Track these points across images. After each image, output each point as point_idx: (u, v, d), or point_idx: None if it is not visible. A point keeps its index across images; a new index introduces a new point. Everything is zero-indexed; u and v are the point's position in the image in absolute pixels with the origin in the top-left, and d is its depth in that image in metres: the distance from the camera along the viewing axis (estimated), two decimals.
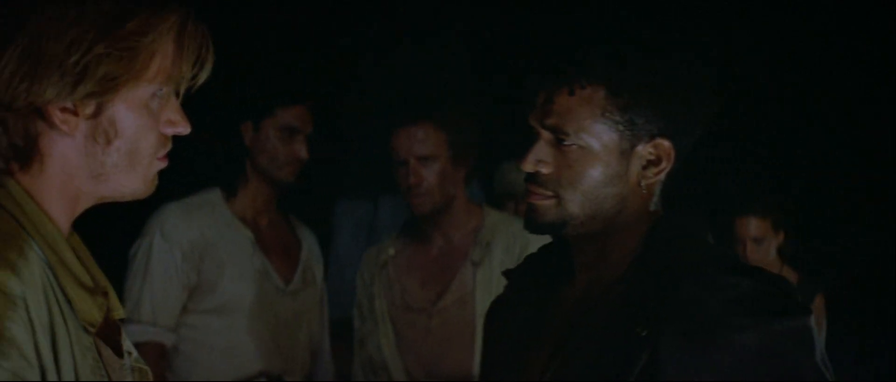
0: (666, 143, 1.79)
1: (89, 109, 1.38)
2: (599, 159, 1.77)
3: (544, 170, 1.79)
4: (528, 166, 1.80)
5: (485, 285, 3.05)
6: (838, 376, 1.76)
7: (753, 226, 4.29)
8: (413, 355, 3.15)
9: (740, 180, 4.94)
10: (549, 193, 1.79)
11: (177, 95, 1.46)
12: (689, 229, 1.83)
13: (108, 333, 1.49)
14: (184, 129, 1.47)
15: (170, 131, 1.46)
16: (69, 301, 1.40)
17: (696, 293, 1.69)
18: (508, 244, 3.09)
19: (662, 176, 1.81)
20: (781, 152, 5.21)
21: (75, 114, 1.38)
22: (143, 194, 1.47)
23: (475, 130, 3.18)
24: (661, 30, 1.88)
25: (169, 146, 1.47)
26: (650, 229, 1.81)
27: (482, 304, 2.95)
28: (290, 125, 3.18)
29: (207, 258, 3.14)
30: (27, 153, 1.39)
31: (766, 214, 4.29)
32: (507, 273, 2.01)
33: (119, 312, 1.53)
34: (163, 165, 1.48)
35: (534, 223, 1.81)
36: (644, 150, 1.79)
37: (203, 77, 1.47)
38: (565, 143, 1.77)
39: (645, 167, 1.80)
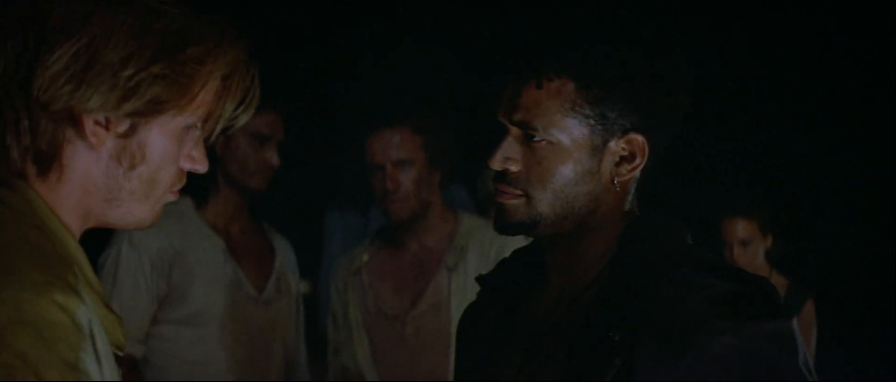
0: (639, 138, 1.71)
1: (123, 127, 1.31)
2: (570, 155, 1.69)
3: (513, 168, 1.71)
4: (496, 165, 1.72)
5: (460, 291, 3.00)
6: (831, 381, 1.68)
7: (741, 228, 4.19)
8: (387, 363, 3.09)
9: (727, 180, 4.86)
10: (519, 191, 1.71)
11: (211, 132, 1.40)
12: (666, 228, 1.75)
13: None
14: (202, 168, 1.40)
15: (188, 167, 1.39)
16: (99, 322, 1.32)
17: (673, 294, 1.61)
18: (484, 248, 3.04)
19: (637, 173, 1.74)
20: (770, 150, 5.13)
21: (107, 129, 1.31)
22: (147, 224, 1.39)
23: (451, 133, 3.12)
24: (642, 25, 1.80)
25: (184, 182, 1.40)
26: (625, 229, 1.73)
27: (457, 311, 2.91)
28: (261, 133, 3.11)
29: (177, 267, 3.06)
30: (48, 159, 1.31)
31: (754, 215, 4.20)
32: (480, 279, 1.94)
33: None
34: (174, 198, 1.40)
35: (503, 224, 1.74)
36: (617, 145, 1.71)
37: (243, 120, 1.40)
38: (534, 139, 1.69)
39: (618, 164, 1.72)
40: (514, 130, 1.71)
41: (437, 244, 3.09)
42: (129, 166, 1.33)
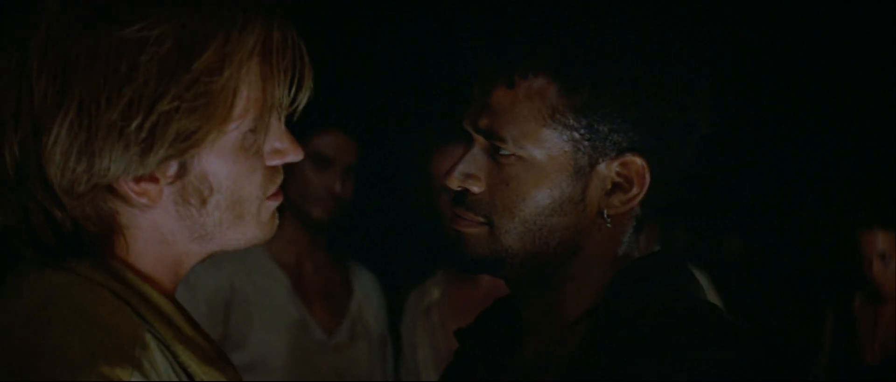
0: (638, 161, 1.31)
1: (170, 170, 1.14)
2: (546, 176, 1.31)
3: (474, 188, 1.35)
4: (454, 182, 1.36)
5: None
6: None
7: (880, 240, 3.71)
8: None
9: (863, 188, 4.29)
10: (480, 218, 1.35)
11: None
12: (667, 280, 1.33)
13: None
14: (294, 156, 1.21)
15: (278, 162, 1.21)
16: (192, 377, 1.17)
17: (668, 374, 1.20)
18: None
19: (635, 206, 1.33)
20: None
21: (155, 181, 1.14)
22: (262, 239, 1.23)
23: None
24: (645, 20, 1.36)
25: (279, 179, 1.22)
26: (612, 280, 1.34)
27: None
28: (322, 154, 2.79)
29: (235, 308, 2.76)
30: (105, 236, 1.16)
31: (894, 226, 3.69)
32: (458, 334, 1.56)
33: None
34: (277, 202, 1.23)
35: (460, 258, 1.38)
36: (608, 169, 1.32)
37: (304, 98, 1.19)
38: (502, 152, 1.32)
39: (609, 193, 1.33)
40: (480, 140, 1.36)
41: None
42: (199, 204, 1.16)
